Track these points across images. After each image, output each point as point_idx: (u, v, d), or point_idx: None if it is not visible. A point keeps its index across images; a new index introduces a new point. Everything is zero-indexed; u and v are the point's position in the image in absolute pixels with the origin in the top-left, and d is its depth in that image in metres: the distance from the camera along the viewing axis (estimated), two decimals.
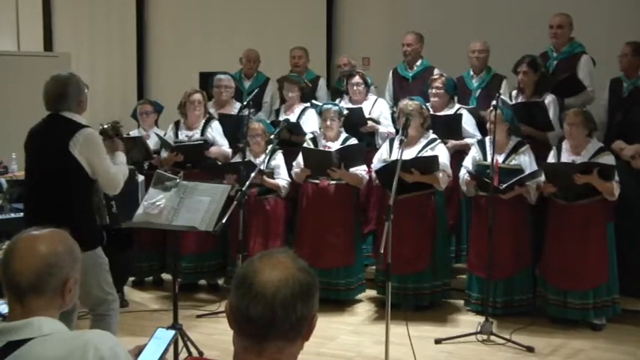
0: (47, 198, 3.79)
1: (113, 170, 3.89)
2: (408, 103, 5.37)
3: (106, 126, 4.24)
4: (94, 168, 3.78)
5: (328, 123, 5.66)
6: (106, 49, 9.26)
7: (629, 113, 5.43)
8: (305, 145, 5.76)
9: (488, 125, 5.21)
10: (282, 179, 5.76)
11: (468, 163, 5.43)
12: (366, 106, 6.16)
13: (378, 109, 6.23)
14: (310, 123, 6.17)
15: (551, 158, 5.25)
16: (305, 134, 5.99)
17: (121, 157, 4.12)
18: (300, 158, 5.68)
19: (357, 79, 6.21)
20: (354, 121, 5.95)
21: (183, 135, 6.10)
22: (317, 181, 5.62)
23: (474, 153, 5.45)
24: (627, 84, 5.64)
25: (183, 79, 7.34)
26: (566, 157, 5.13)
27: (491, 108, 5.04)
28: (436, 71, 6.26)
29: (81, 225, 3.61)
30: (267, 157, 5.66)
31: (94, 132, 3.84)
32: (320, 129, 5.89)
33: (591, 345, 4.84)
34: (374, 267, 5.80)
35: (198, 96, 6.00)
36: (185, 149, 5.93)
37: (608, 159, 5.00)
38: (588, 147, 5.08)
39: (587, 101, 5.72)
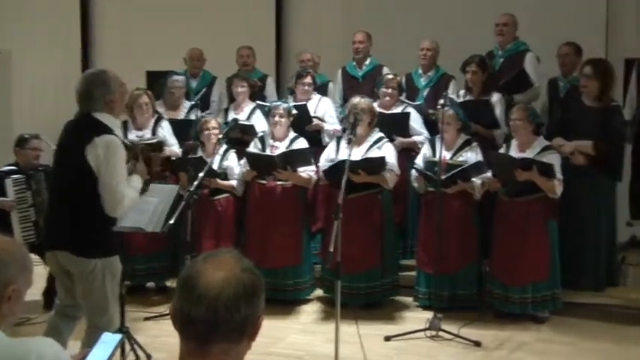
0: (61, 197, 3.64)
1: (120, 189, 3.51)
2: (359, 102, 5.39)
3: (142, 143, 3.95)
4: (100, 178, 3.49)
5: (276, 119, 5.62)
6: (49, 48, 9.02)
7: (567, 111, 5.58)
8: (252, 144, 5.74)
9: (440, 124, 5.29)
10: (235, 179, 5.73)
11: (419, 160, 5.51)
12: (310, 105, 6.16)
13: (322, 107, 6.25)
14: (260, 122, 6.14)
15: None
16: (257, 134, 5.96)
17: (136, 181, 3.75)
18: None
19: (308, 79, 6.22)
20: (300, 120, 5.95)
21: (133, 135, 5.94)
22: (264, 182, 5.60)
23: (425, 150, 5.53)
24: (564, 83, 5.82)
25: (130, 78, 7.19)
26: (513, 155, 5.21)
27: (439, 107, 5.13)
28: (386, 70, 6.32)
29: (93, 229, 3.57)
30: (220, 158, 5.62)
31: (113, 140, 3.53)
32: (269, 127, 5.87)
33: (535, 337, 4.96)
34: (319, 266, 5.79)
35: (144, 98, 5.86)
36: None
37: (552, 157, 5.08)
38: (534, 144, 5.18)
39: (534, 97, 5.88)
